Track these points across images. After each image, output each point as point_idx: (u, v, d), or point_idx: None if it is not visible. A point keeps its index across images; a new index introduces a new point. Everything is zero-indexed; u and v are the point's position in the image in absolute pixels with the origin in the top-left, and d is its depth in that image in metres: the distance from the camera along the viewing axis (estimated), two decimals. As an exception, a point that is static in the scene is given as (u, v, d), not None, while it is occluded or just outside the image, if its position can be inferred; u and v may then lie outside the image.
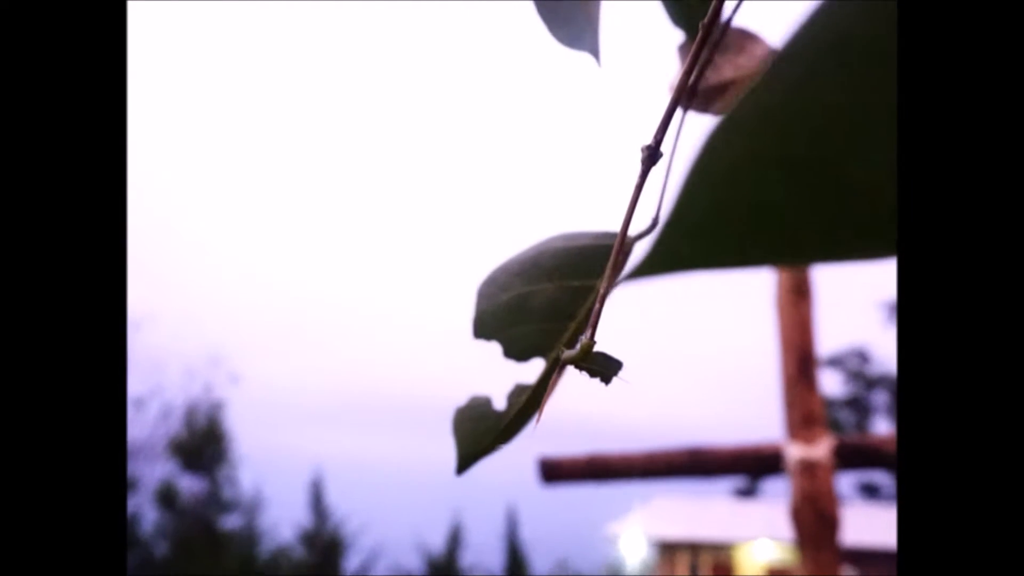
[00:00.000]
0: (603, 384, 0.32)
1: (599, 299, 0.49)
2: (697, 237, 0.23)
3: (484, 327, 0.50)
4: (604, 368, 0.33)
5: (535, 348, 0.49)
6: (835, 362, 26.38)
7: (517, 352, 0.49)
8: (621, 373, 0.34)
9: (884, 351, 27.21)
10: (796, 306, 3.19)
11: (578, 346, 0.31)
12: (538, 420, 0.42)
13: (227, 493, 13.80)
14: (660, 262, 0.22)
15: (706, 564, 23.26)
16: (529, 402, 0.49)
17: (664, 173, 0.44)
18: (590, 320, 0.47)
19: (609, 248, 0.47)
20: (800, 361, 3.16)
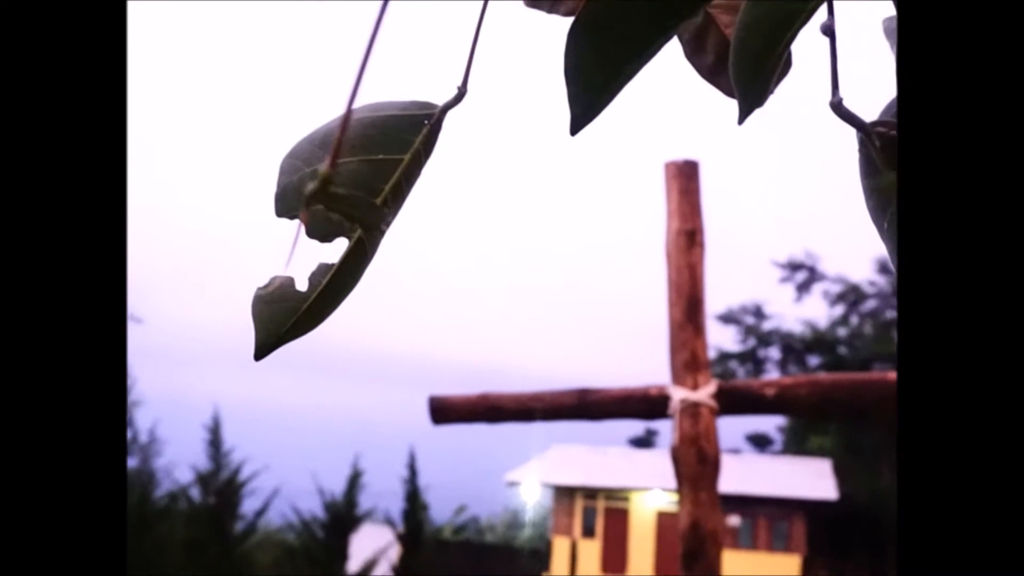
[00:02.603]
0: (363, 231, 0.30)
1: (402, 172, 0.47)
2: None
3: (286, 204, 0.46)
4: (357, 211, 0.30)
5: (338, 227, 0.46)
6: (730, 318, 27.19)
7: (321, 231, 0.46)
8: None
9: (778, 307, 28.17)
10: (686, 252, 3.24)
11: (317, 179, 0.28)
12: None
13: (120, 434, 13.41)
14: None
15: (601, 509, 23.91)
16: (332, 284, 0.47)
17: (470, 45, 0.42)
18: (394, 194, 0.45)
19: (417, 118, 0.44)
20: (688, 307, 3.23)
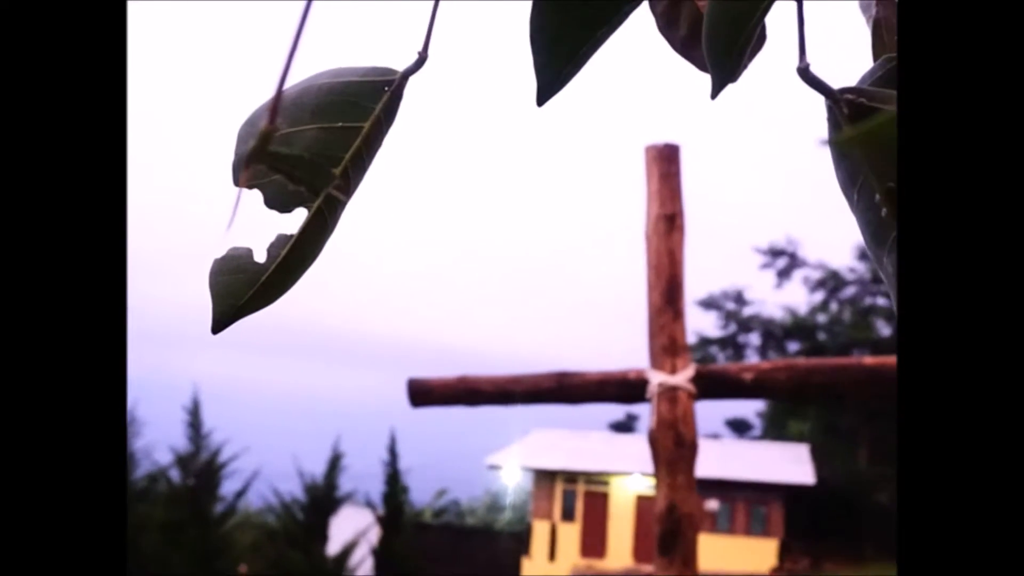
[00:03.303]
0: (315, 197, 0.29)
1: (363, 141, 0.45)
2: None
3: (254, 183, 0.45)
4: (301, 172, 0.29)
5: (298, 197, 0.45)
6: (711, 303, 27.32)
7: (279, 202, 0.45)
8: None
9: (758, 293, 28.32)
10: (666, 236, 3.24)
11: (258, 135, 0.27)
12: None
13: (97, 415, 13.33)
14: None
15: (581, 493, 24.04)
16: (291, 256, 0.45)
17: (431, 9, 0.41)
18: (353, 163, 0.44)
19: (377, 85, 0.43)
20: (667, 291, 3.23)
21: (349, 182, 0.44)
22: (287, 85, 0.48)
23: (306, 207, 0.45)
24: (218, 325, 0.47)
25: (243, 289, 0.46)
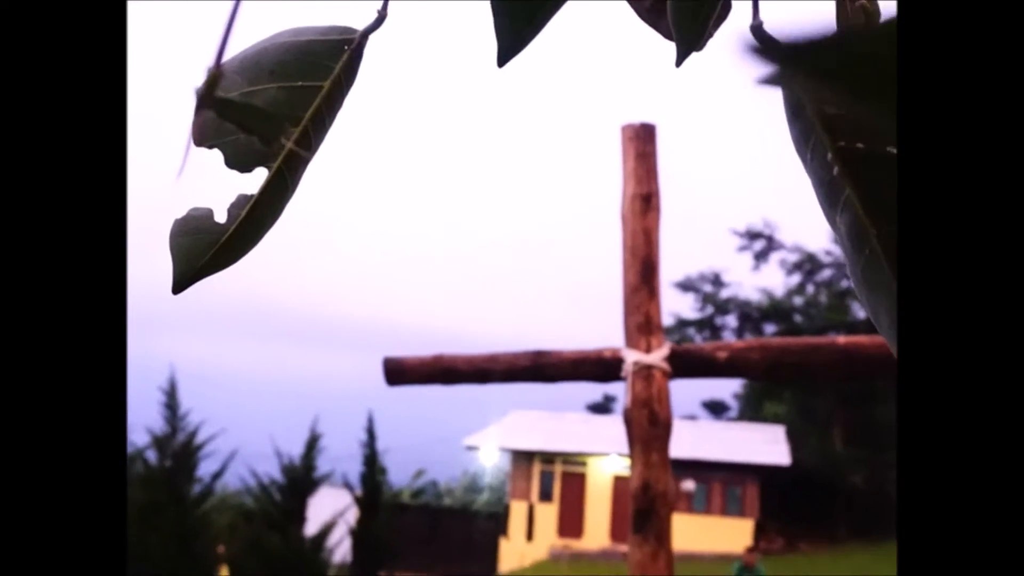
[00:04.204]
0: (264, 146, 0.29)
1: (323, 100, 0.45)
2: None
3: (205, 134, 0.45)
4: (250, 120, 0.29)
5: (258, 156, 0.45)
6: (689, 285, 27.45)
7: (240, 161, 0.45)
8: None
9: (735, 276, 28.47)
10: (642, 215, 3.25)
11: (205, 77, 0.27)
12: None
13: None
14: None
15: (558, 474, 24.16)
16: (252, 216, 0.45)
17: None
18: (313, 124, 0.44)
19: (336, 44, 0.43)
20: (642, 270, 3.24)
21: (310, 141, 0.44)
22: (249, 45, 0.47)
23: (267, 167, 0.45)
24: (178, 286, 0.47)
25: (204, 249, 0.46)
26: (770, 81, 0.20)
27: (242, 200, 0.45)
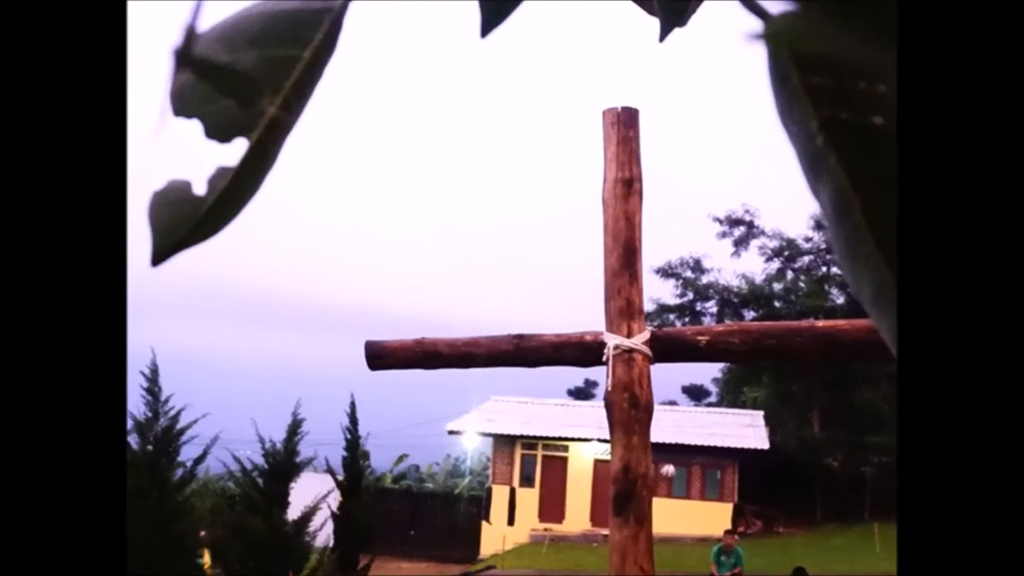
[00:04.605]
0: (243, 111, 0.29)
1: (304, 70, 0.45)
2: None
3: (184, 103, 0.44)
4: (228, 81, 0.29)
5: (238, 126, 0.44)
6: (669, 271, 27.54)
7: (219, 131, 0.44)
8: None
9: (716, 262, 28.60)
10: (623, 200, 3.25)
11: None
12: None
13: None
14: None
15: (540, 459, 24.26)
16: (232, 188, 0.45)
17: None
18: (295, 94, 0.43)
19: (317, 11, 0.43)
20: (624, 254, 3.25)
21: (291, 111, 0.44)
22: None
23: (247, 137, 0.45)
24: (157, 258, 0.46)
25: (183, 222, 0.46)
26: (762, 35, 0.20)
27: (222, 172, 0.45)
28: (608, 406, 3.21)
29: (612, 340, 3.18)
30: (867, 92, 0.35)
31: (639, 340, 3.17)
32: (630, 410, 3.17)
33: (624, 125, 3.35)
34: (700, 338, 3.25)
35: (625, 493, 3.13)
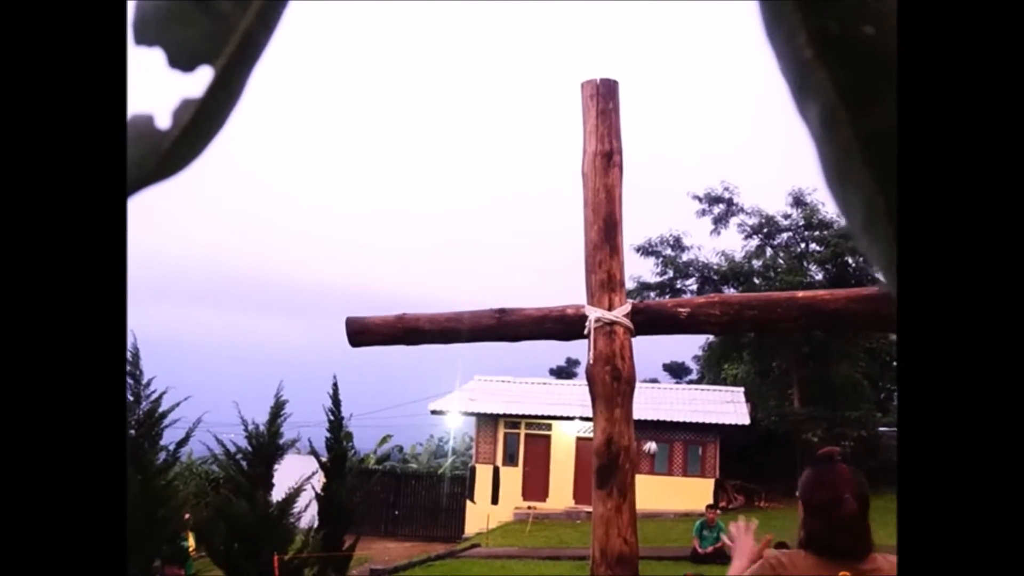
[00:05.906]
0: (208, 28, 0.27)
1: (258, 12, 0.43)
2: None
3: (145, 31, 0.43)
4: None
5: (202, 54, 0.42)
6: (649, 249, 27.60)
7: (183, 59, 0.42)
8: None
9: (696, 239, 28.69)
10: (603, 173, 3.23)
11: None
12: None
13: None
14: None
15: (523, 437, 24.34)
16: (197, 119, 0.43)
17: None
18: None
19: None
20: (604, 227, 3.23)
21: (257, 39, 0.42)
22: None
23: (212, 65, 0.43)
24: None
25: (147, 157, 0.44)
26: None
27: (187, 105, 0.43)
28: (590, 379, 3.21)
29: (593, 313, 3.17)
30: (859, 1, 0.33)
31: (620, 313, 3.16)
32: (612, 383, 3.17)
33: (603, 97, 3.33)
34: (681, 310, 3.25)
35: (608, 466, 3.14)
